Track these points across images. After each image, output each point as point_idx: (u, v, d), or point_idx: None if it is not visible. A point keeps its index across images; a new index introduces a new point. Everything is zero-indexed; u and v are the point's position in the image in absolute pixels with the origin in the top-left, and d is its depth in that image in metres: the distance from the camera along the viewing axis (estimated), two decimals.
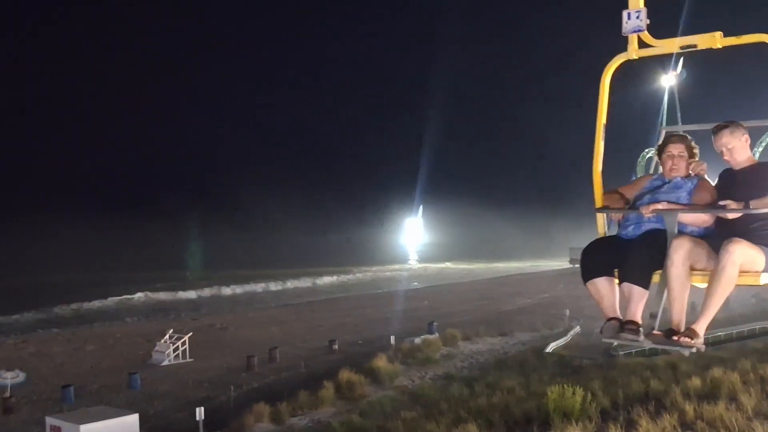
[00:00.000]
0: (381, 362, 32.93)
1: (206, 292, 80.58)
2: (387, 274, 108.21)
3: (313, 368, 35.13)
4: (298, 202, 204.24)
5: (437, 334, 41.70)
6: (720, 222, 4.53)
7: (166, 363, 38.06)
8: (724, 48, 4.56)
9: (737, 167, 4.65)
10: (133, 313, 64.49)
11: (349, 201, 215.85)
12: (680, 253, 4.33)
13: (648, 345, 4.60)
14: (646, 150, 48.29)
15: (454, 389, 26.83)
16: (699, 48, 4.55)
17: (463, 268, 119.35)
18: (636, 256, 4.46)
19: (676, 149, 4.84)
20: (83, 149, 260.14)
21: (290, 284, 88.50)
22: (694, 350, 4.28)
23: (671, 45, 4.62)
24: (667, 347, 4.48)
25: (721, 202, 4.41)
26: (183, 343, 39.49)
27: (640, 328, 4.40)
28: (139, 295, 76.21)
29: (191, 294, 78.73)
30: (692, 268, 4.40)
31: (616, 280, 4.58)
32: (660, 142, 5.03)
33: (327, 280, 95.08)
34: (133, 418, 23.38)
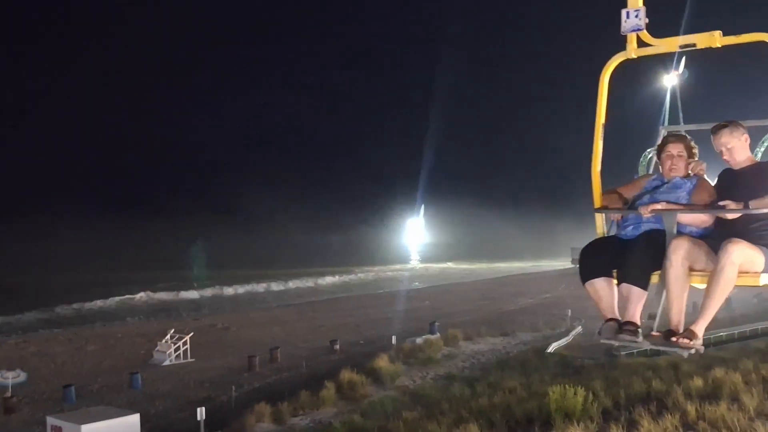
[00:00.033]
0: (382, 362, 32.94)
1: (208, 292, 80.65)
2: (388, 274, 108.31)
3: (314, 368, 35.14)
4: (300, 201, 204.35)
5: (438, 334, 41.70)
6: (719, 222, 4.49)
7: (167, 363, 38.08)
8: (724, 47, 4.53)
9: (737, 167, 4.60)
10: (134, 313, 64.54)
11: (351, 201, 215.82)
12: (679, 253, 4.29)
13: (646, 346, 4.57)
14: (648, 150, 48.16)
15: (456, 389, 26.83)
16: (698, 47, 4.52)
17: (465, 268, 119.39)
18: (635, 257, 4.43)
19: (675, 149, 4.81)
20: (85, 149, 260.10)
21: (292, 284, 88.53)
22: (692, 352, 4.25)
23: (670, 44, 4.59)
24: (665, 348, 4.45)
25: (721, 203, 4.36)
26: (184, 343, 39.51)
27: (639, 329, 4.36)
28: (140, 294, 76.24)
29: (193, 294, 78.78)
30: (691, 269, 4.36)
31: (615, 281, 4.55)
32: (659, 141, 5.00)
33: (329, 280, 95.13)
34: (134, 418, 23.40)
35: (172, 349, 39.04)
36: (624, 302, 4.43)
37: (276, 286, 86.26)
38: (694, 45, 4.52)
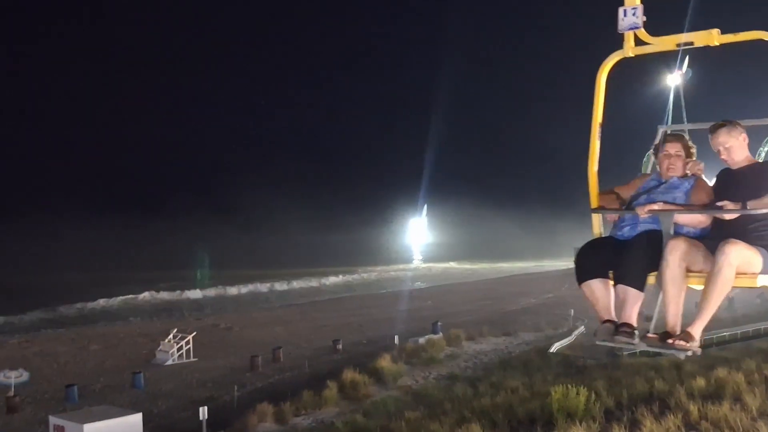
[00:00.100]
0: (385, 362, 32.93)
1: (211, 291, 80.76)
2: (391, 274, 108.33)
3: (316, 368, 35.15)
4: (303, 202, 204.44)
5: (441, 334, 41.69)
6: (717, 223, 4.42)
7: (169, 362, 38.12)
8: (722, 45, 4.49)
9: (735, 167, 4.55)
10: (137, 313, 64.64)
11: (354, 201, 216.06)
12: (676, 254, 4.24)
13: (643, 348, 4.52)
14: (650, 150, 48.15)
15: (458, 389, 26.82)
16: (696, 45, 4.48)
17: (467, 268, 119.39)
18: (631, 258, 4.38)
19: (672, 148, 4.76)
20: (87, 149, 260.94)
21: (295, 284, 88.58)
22: (689, 353, 4.21)
23: (668, 42, 4.54)
24: (662, 350, 4.40)
25: (718, 203, 4.31)
26: (187, 343, 39.54)
27: (635, 331, 4.31)
28: (143, 294, 76.36)
29: (196, 294, 78.89)
30: (688, 270, 4.30)
31: (611, 282, 4.51)
32: (657, 141, 4.97)
33: (332, 280, 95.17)
34: (137, 418, 23.42)
35: (175, 349, 39.08)
36: (620, 303, 4.37)
37: (279, 286, 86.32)
38: (691, 43, 4.48)
